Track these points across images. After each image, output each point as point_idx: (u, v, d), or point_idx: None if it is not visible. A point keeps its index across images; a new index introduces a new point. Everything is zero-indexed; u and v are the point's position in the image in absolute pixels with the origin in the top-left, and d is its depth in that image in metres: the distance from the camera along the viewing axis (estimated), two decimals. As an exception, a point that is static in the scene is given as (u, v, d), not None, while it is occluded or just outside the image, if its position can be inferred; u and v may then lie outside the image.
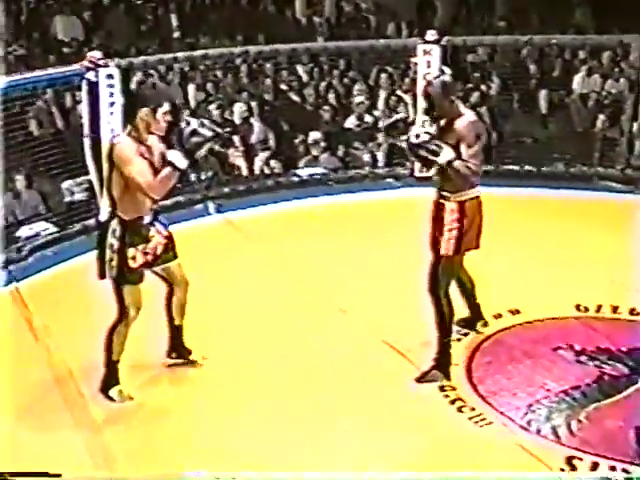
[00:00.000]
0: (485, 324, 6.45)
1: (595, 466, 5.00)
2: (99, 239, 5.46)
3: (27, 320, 6.68)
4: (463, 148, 5.57)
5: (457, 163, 5.55)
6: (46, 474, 4.16)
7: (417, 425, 5.40)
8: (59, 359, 6.03)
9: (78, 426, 5.34)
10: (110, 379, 5.57)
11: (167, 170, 5.10)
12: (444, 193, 5.76)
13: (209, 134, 5.16)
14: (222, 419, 5.38)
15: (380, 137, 10.39)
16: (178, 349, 5.96)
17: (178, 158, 5.07)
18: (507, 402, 5.64)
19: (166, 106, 5.25)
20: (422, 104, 6.17)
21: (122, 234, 5.31)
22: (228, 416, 5.40)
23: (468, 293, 6.30)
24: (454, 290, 6.06)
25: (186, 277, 5.76)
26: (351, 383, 5.78)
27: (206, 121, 5.47)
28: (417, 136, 5.68)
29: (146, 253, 5.42)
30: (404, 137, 5.75)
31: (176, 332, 5.92)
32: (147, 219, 5.42)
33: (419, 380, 5.83)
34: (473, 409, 5.57)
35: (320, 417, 5.43)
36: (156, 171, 5.16)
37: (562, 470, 4.97)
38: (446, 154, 5.55)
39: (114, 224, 5.33)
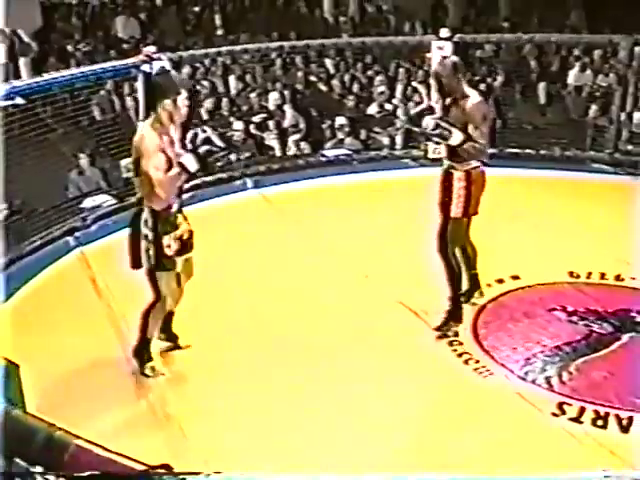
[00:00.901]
0: (481, 294, 6.26)
1: (582, 411, 5.03)
2: (131, 231, 5.11)
3: (91, 280, 6.73)
4: (471, 128, 5.47)
5: (467, 145, 5.47)
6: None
7: (429, 375, 5.43)
8: (118, 314, 6.07)
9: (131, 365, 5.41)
10: (144, 356, 5.31)
11: (176, 170, 4.86)
12: (452, 163, 5.66)
13: (221, 144, 4.88)
14: (257, 368, 5.42)
15: (398, 123, 10.36)
16: (167, 332, 5.58)
17: (190, 161, 4.83)
18: (507, 356, 5.65)
19: (184, 92, 5.02)
20: (433, 83, 5.91)
21: (154, 224, 4.97)
22: (264, 364, 5.44)
23: (470, 263, 6.10)
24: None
25: (192, 270, 5.37)
26: (371, 338, 5.78)
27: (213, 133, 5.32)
28: (432, 124, 5.51)
29: (177, 239, 5.08)
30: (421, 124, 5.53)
31: (168, 316, 5.49)
32: (175, 207, 5.10)
33: (438, 329, 5.85)
34: (477, 362, 5.59)
35: (344, 366, 5.46)
36: (170, 167, 4.89)
37: (554, 415, 5.00)
38: (456, 137, 5.45)
39: (145, 215, 4.98)
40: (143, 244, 5.01)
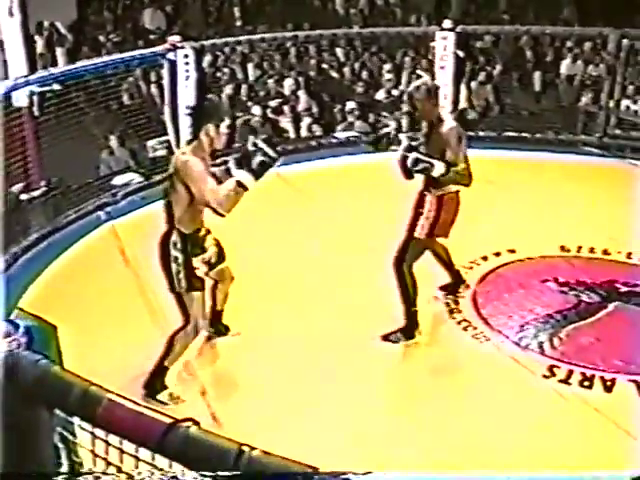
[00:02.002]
0: (467, 286, 6.06)
1: (570, 373, 5.05)
2: (161, 254, 4.68)
3: (120, 250, 6.74)
4: (448, 154, 5.05)
5: (450, 173, 5.04)
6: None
7: (430, 340, 5.44)
8: (144, 281, 6.08)
9: (157, 329, 5.42)
10: (157, 383, 4.74)
11: (238, 189, 4.33)
12: (428, 186, 5.28)
13: (274, 155, 4.35)
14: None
15: (404, 107, 10.31)
16: (216, 326, 5.36)
17: (246, 178, 4.32)
18: (503, 323, 5.66)
19: (227, 120, 4.52)
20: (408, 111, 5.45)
21: (184, 246, 4.59)
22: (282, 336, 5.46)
23: (445, 261, 5.87)
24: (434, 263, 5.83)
25: (232, 273, 5.12)
26: (378, 302, 5.79)
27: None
28: (411, 160, 5.05)
29: (205, 262, 4.79)
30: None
31: (217, 314, 5.32)
32: (203, 230, 4.76)
33: (385, 338, 5.37)
34: (475, 328, 5.60)
35: (354, 328, 5.50)
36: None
37: (545, 377, 5.02)
38: (438, 168, 5.02)
39: (175, 237, 4.58)
40: (173, 267, 4.60)
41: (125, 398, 2.18)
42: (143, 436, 2.10)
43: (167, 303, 5.68)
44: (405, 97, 5.23)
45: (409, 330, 5.40)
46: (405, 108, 10.09)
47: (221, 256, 4.93)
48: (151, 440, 2.08)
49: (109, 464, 2.29)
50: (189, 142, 4.66)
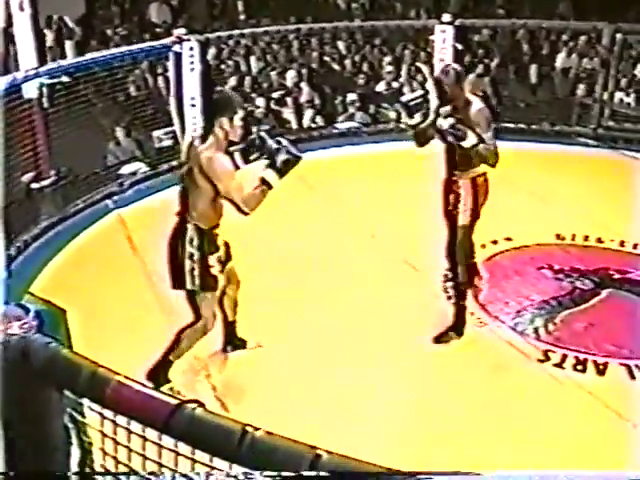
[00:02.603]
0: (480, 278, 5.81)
1: (564, 357, 5.07)
2: (172, 250, 4.45)
3: (127, 237, 6.75)
4: (480, 132, 4.92)
5: (481, 147, 4.91)
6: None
7: (429, 326, 5.43)
8: (150, 267, 6.09)
9: (163, 313, 5.43)
10: (160, 375, 4.53)
11: (262, 187, 4.21)
12: (456, 172, 5.08)
13: (299, 154, 4.23)
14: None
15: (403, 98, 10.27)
16: (233, 342, 5.05)
17: (271, 176, 4.20)
18: (500, 309, 5.68)
19: (241, 113, 4.31)
20: (434, 92, 5.12)
21: (200, 243, 4.36)
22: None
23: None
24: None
25: (238, 276, 4.85)
26: (377, 290, 5.80)
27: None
28: (448, 124, 4.91)
29: (219, 261, 4.48)
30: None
31: (230, 327, 5.00)
32: (219, 228, 4.52)
33: (436, 340, 5.21)
34: (473, 314, 5.60)
35: (354, 310, 5.52)
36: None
37: (540, 361, 5.02)
38: (471, 139, 4.88)
39: (191, 233, 4.37)
40: (187, 263, 4.37)
41: (132, 380, 2.18)
42: (150, 417, 2.11)
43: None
44: (432, 83, 4.99)
45: (460, 328, 5.26)
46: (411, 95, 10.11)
47: (229, 255, 4.65)
48: (158, 420, 2.08)
49: (117, 444, 2.30)
50: (203, 137, 4.35)
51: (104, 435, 2.31)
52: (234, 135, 4.30)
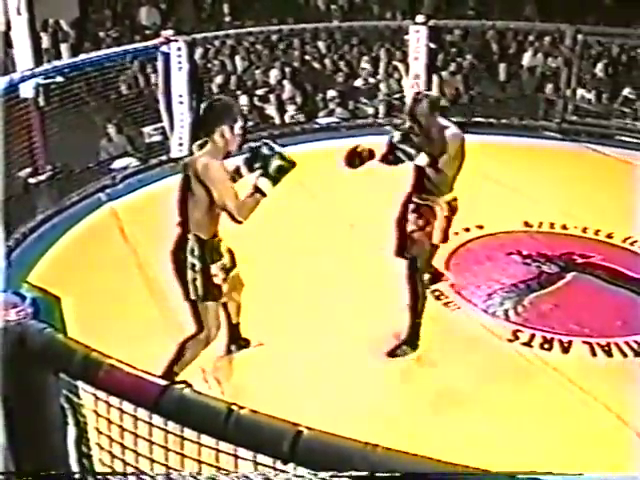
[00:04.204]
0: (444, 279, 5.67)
1: (532, 337, 5.10)
2: (175, 261, 4.19)
3: (120, 229, 6.71)
4: (444, 158, 4.55)
5: (429, 170, 4.61)
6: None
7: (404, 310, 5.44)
8: (142, 257, 6.07)
9: (154, 301, 5.40)
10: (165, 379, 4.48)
11: (256, 196, 3.94)
12: (430, 197, 4.73)
13: (294, 161, 3.97)
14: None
15: (380, 95, 10.28)
16: (237, 342, 4.82)
17: (264, 184, 3.94)
18: (472, 293, 5.68)
19: (240, 121, 4.03)
20: (406, 122, 4.71)
21: (201, 253, 4.07)
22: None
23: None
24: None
25: (242, 281, 4.52)
26: (355, 274, 5.81)
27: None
28: (401, 136, 4.60)
29: (222, 269, 4.18)
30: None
31: (235, 329, 4.76)
32: (219, 236, 4.22)
33: (390, 355, 4.85)
34: (447, 297, 5.62)
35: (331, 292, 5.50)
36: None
37: (509, 340, 5.05)
38: (421, 159, 4.55)
39: (192, 243, 4.08)
40: (189, 274, 4.10)
41: (123, 363, 2.18)
42: (141, 397, 2.11)
43: (163, 277, 5.69)
44: (406, 112, 4.60)
45: (413, 343, 4.90)
46: (381, 96, 10.11)
47: (233, 261, 4.35)
48: (148, 400, 2.08)
49: (111, 423, 2.30)
50: (201, 145, 4.06)
51: (98, 415, 2.31)
52: (233, 144, 4.00)
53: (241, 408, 1.93)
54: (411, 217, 4.82)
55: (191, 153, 4.28)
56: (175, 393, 2.04)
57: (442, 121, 4.67)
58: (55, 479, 2.38)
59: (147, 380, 2.11)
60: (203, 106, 4.26)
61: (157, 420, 2.14)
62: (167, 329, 5.04)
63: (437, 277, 5.46)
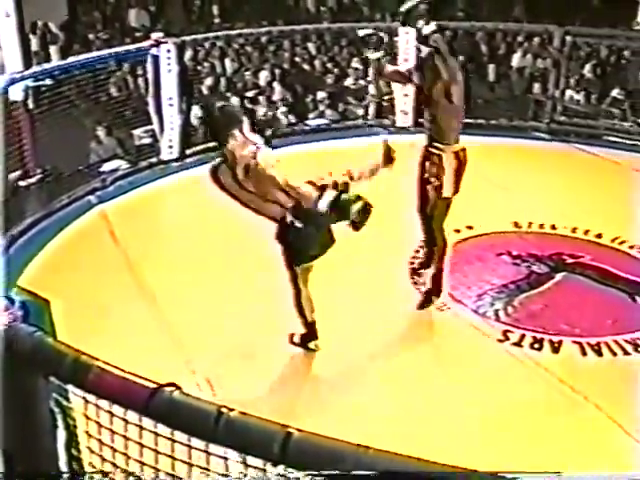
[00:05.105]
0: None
1: (522, 337, 5.11)
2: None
3: (110, 231, 6.68)
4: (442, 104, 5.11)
5: (427, 115, 5.11)
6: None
7: (397, 309, 5.44)
8: (132, 259, 6.05)
9: (144, 303, 5.40)
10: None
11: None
12: (440, 145, 5.16)
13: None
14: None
15: (368, 97, 10.28)
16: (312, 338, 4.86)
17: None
18: (462, 293, 5.68)
19: (247, 121, 4.30)
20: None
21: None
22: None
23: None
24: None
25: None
26: (355, 280, 5.77)
27: None
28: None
29: None
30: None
31: (312, 328, 4.82)
32: None
33: (420, 307, 5.37)
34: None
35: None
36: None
37: (499, 341, 5.06)
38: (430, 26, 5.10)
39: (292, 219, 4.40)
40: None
41: (113, 366, 2.17)
42: (130, 400, 2.10)
43: (154, 279, 5.69)
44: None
45: (438, 291, 5.42)
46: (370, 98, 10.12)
47: None
48: (138, 403, 2.08)
49: (101, 426, 2.29)
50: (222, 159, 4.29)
51: (88, 418, 2.30)
52: (249, 141, 4.24)
53: (231, 410, 1.93)
54: (426, 165, 5.19)
55: (215, 171, 4.34)
56: (164, 396, 2.03)
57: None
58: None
59: (137, 383, 2.10)
60: (206, 120, 4.45)
61: (147, 423, 2.13)
62: (158, 332, 5.05)
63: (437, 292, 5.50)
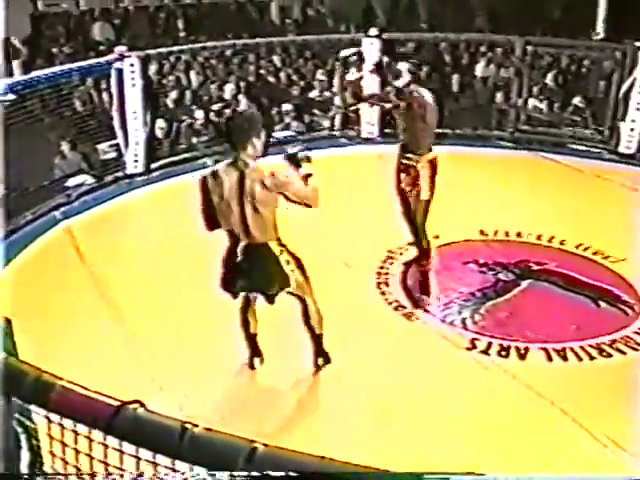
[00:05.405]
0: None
1: (490, 345, 5.14)
2: (271, 268, 4.30)
3: (75, 248, 6.61)
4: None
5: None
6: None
7: (364, 320, 5.45)
8: (99, 276, 6.00)
9: (111, 320, 5.35)
10: (321, 351, 4.73)
11: (310, 182, 4.26)
12: (414, 156, 5.47)
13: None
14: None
15: (334, 109, 10.33)
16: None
17: (302, 171, 4.30)
18: (430, 302, 5.71)
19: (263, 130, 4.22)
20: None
21: (286, 248, 4.33)
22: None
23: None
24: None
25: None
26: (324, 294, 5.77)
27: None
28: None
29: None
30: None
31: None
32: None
33: (415, 307, 5.61)
34: (405, 308, 5.65)
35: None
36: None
37: (467, 349, 5.09)
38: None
39: (276, 248, 4.28)
40: (287, 268, 4.31)
41: (76, 384, 2.15)
42: (94, 418, 2.08)
43: (120, 296, 5.64)
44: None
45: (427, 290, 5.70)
46: (334, 109, 10.16)
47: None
48: (101, 421, 2.06)
49: (65, 446, 2.26)
50: (232, 163, 4.19)
51: (52, 438, 2.27)
52: (260, 151, 4.18)
53: (195, 426, 1.92)
54: (402, 176, 5.54)
55: (214, 175, 4.22)
56: (128, 413, 2.02)
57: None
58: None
59: (100, 401, 2.08)
60: (227, 123, 4.36)
61: (112, 441, 2.12)
62: (124, 348, 5.00)
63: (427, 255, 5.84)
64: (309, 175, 4.23)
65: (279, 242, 4.29)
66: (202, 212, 4.29)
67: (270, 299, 4.39)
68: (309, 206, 4.24)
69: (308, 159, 4.35)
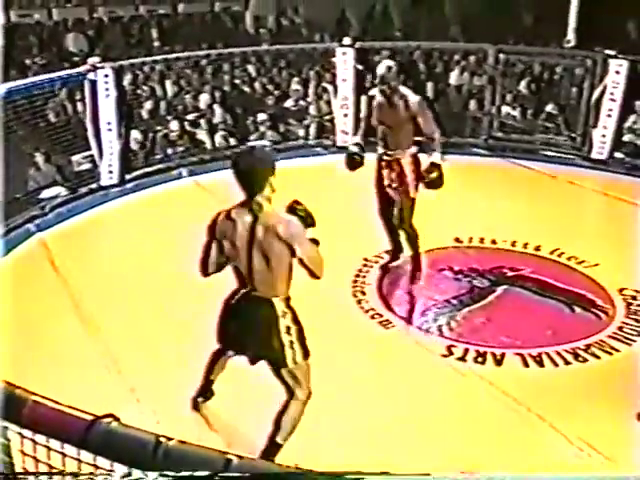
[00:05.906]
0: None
1: (466, 351, 5.16)
2: (263, 331, 3.76)
3: (50, 260, 6.56)
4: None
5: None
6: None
7: (341, 328, 5.44)
8: (74, 288, 5.95)
9: (85, 333, 5.30)
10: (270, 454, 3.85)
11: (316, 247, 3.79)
12: (397, 151, 5.71)
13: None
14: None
15: (309, 118, 10.35)
16: (206, 395, 4.39)
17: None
18: (406, 310, 5.73)
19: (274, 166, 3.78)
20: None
21: (294, 314, 3.79)
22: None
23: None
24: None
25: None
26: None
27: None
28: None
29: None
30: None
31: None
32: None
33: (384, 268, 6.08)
34: (381, 315, 5.66)
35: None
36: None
37: (443, 356, 5.10)
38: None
39: (281, 308, 3.74)
40: (284, 339, 3.74)
41: (49, 399, 2.13)
42: (67, 433, 2.07)
43: (95, 309, 5.60)
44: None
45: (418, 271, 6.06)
46: (309, 119, 10.18)
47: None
48: (75, 436, 2.04)
49: (38, 461, 2.24)
50: (244, 204, 3.81)
51: (24, 454, 2.25)
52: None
53: (169, 439, 1.91)
54: (384, 173, 5.75)
55: (228, 215, 3.85)
56: (102, 427, 2.01)
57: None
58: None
59: (73, 415, 2.07)
60: (240, 167, 3.78)
61: (86, 456, 2.10)
62: (100, 361, 4.96)
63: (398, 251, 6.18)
64: (316, 242, 3.79)
65: (287, 303, 3.79)
66: (202, 254, 3.90)
67: (253, 362, 3.93)
68: (314, 275, 3.74)
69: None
